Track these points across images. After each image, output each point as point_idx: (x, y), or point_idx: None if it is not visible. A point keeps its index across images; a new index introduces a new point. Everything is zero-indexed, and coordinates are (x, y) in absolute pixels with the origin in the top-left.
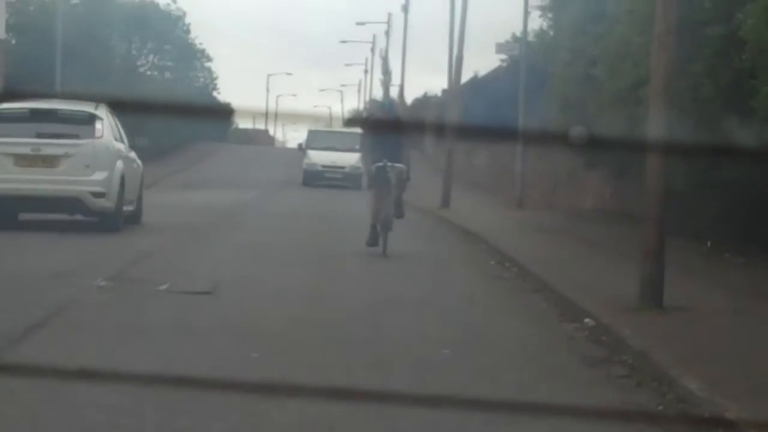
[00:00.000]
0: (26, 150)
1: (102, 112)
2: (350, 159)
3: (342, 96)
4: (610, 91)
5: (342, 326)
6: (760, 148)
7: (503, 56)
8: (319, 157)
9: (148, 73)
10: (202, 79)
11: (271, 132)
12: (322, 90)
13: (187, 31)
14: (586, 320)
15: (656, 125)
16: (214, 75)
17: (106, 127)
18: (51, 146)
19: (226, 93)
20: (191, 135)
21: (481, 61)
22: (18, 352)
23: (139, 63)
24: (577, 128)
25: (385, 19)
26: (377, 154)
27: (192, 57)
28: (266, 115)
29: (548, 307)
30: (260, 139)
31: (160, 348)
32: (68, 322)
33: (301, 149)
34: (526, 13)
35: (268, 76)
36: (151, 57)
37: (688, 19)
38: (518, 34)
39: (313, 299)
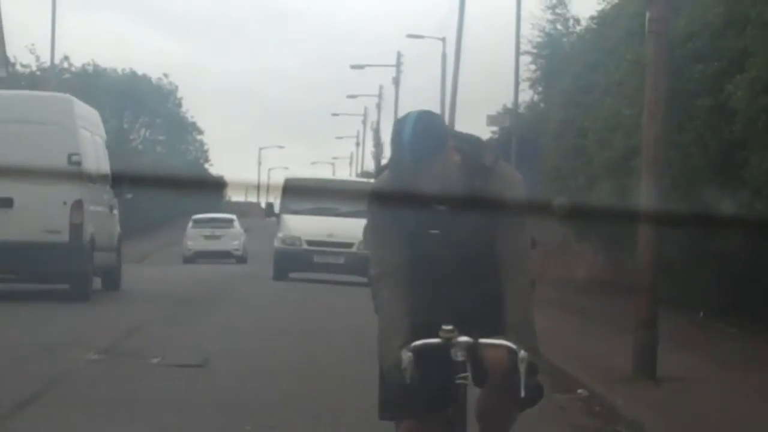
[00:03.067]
0: None
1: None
2: (357, 229)
3: (334, 169)
4: (601, 161)
5: (335, 399)
6: (750, 218)
7: (494, 128)
8: (302, 227)
9: (140, 147)
10: (193, 152)
11: (263, 205)
12: (314, 163)
13: (179, 105)
14: (579, 391)
15: (647, 196)
16: (206, 148)
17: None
18: None
19: (218, 166)
20: (184, 208)
21: (473, 132)
22: (9, 428)
23: (131, 137)
24: (560, 199)
25: (377, 92)
26: (419, 308)
27: (183, 130)
28: (258, 187)
29: (541, 377)
30: (252, 211)
31: (153, 422)
32: (60, 397)
33: (272, 212)
34: (517, 85)
35: (260, 149)
36: (143, 131)
37: (677, 90)
38: (509, 105)
39: (305, 372)
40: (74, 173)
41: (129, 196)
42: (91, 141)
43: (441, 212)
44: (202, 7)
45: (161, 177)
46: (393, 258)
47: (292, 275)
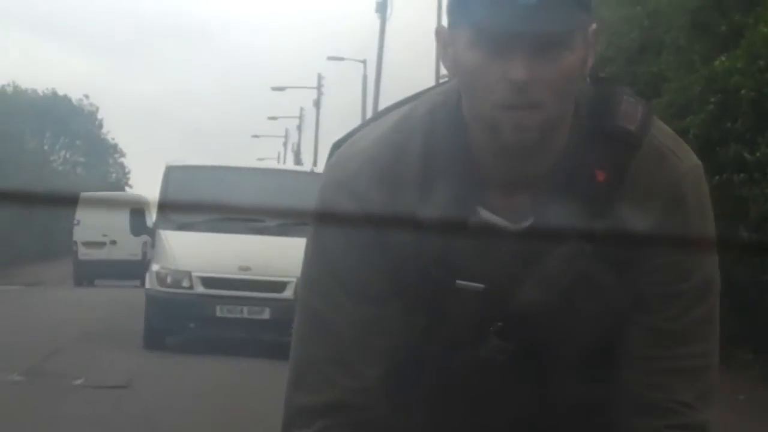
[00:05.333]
0: None
1: None
2: (295, 257)
3: None
4: None
5: (265, 421)
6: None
7: None
8: (195, 254)
9: (60, 168)
10: (114, 175)
11: None
12: None
13: (100, 126)
14: None
15: None
16: (127, 170)
17: None
18: None
19: (138, 188)
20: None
21: None
22: None
23: (52, 158)
24: None
25: (297, 114)
26: None
27: (104, 152)
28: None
29: None
30: None
31: None
32: None
33: (142, 225)
34: None
35: None
36: (63, 152)
37: None
38: None
39: (234, 394)
40: None
41: None
42: None
43: (504, 239)
44: (119, 25)
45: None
46: (369, 364)
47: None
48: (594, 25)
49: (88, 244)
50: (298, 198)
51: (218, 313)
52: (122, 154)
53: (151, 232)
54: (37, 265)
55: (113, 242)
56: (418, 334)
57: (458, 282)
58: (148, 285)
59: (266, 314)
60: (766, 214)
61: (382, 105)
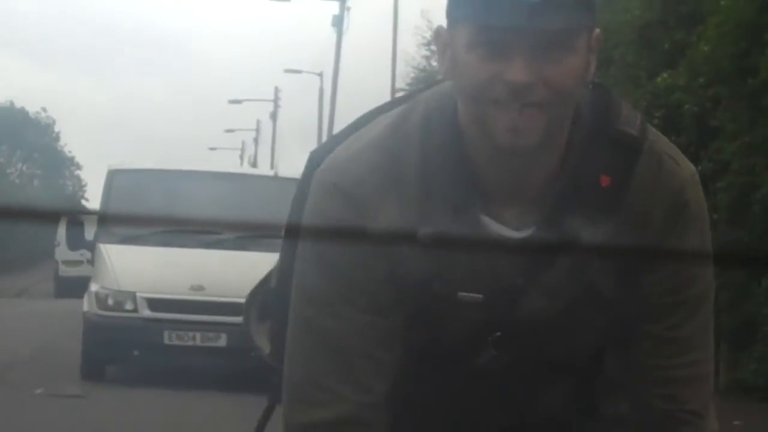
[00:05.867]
0: None
1: None
2: (255, 275)
3: None
4: None
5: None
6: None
7: None
8: (140, 271)
9: (17, 181)
10: (71, 187)
11: None
12: None
13: (57, 139)
14: None
15: None
16: (84, 183)
17: None
18: None
19: (95, 201)
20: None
21: None
22: None
23: (8, 171)
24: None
25: (254, 126)
26: None
27: (61, 165)
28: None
29: None
30: None
31: None
32: None
33: (79, 239)
34: None
35: None
36: (19, 165)
37: None
38: None
39: (186, 404)
40: None
41: None
42: None
43: (506, 248)
44: (75, 35)
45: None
46: (378, 378)
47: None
48: (597, 30)
49: (68, 263)
50: (260, 206)
51: (166, 340)
52: (78, 167)
53: (91, 246)
54: (21, 273)
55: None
56: (417, 345)
57: (460, 294)
58: (86, 308)
59: (222, 341)
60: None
61: (338, 118)
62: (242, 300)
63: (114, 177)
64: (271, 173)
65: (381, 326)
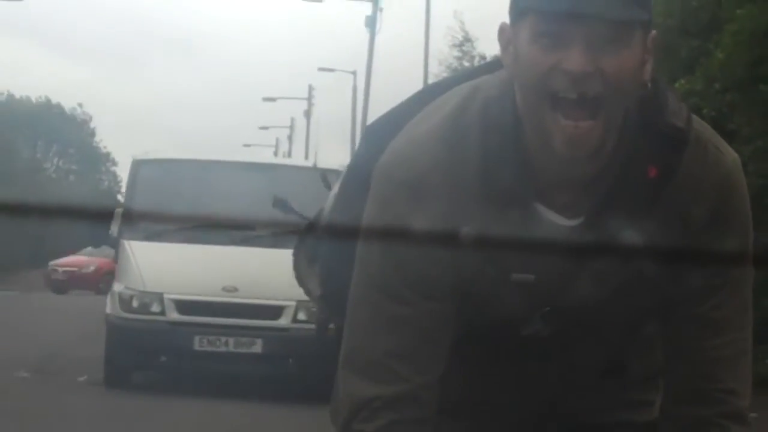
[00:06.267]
0: None
1: None
2: (288, 278)
3: None
4: None
5: (247, 418)
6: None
7: None
8: (167, 271)
9: (53, 176)
10: (106, 183)
11: None
12: None
13: (92, 135)
14: None
15: None
16: (119, 179)
17: None
18: None
19: None
20: (96, 238)
21: None
22: None
23: (45, 166)
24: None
25: (288, 124)
26: None
27: (97, 161)
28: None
29: None
30: None
31: None
32: None
33: (100, 233)
34: None
35: None
36: (56, 160)
37: None
38: None
39: (218, 414)
40: None
41: None
42: None
43: (559, 234)
44: (113, 34)
45: (73, 207)
46: (435, 359)
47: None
48: (654, 32)
49: None
50: (298, 199)
51: (197, 346)
52: (114, 163)
53: (115, 243)
54: (29, 270)
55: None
56: (468, 320)
57: (513, 275)
58: (109, 310)
59: (257, 347)
60: None
61: (372, 114)
62: (279, 302)
63: (139, 168)
64: (309, 163)
65: (440, 311)
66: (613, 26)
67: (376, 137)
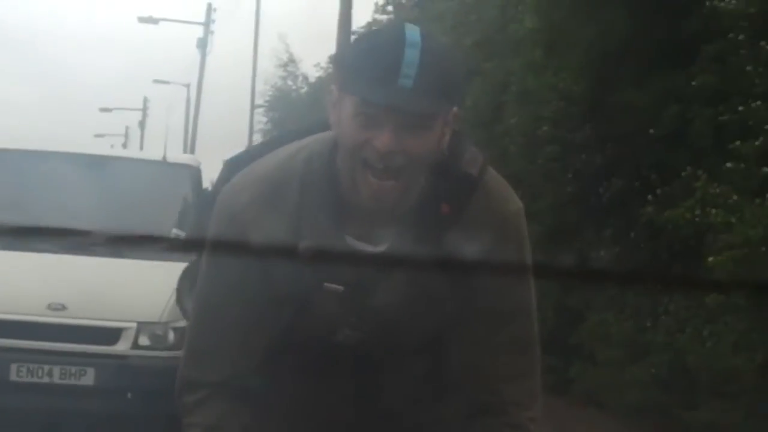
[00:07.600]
0: None
1: None
2: (129, 294)
3: None
4: None
5: None
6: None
7: None
8: None
9: None
10: None
11: None
12: None
13: None
14: None
15: None
16: None
17: None
18: None
19: None
20: None
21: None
22: None
23: None
24: None
25: (123, 132)
26: None
27: None
28: None
29: None
30: None
31: None
32: None
33: None
34: (251, 135)
35: None
36: None
37: None
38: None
39: None
40: None
41: None
42: None
43: (365, 257)
44: None
45: None
46: (248, 356)
47: None
48: (455, 109)
49: None
50: (145, 199)
51: (14, 376)
52: None
53: None
54: None
55: None
56: (285, 324)
57: (325, 284)
58: None
59: (88, 377)
60: None
61: (201, 126)
62: (116, 324)
63: None
64: (158, 157)
65: (254, 314)
66: (419, 117)
67: (231, 169)
